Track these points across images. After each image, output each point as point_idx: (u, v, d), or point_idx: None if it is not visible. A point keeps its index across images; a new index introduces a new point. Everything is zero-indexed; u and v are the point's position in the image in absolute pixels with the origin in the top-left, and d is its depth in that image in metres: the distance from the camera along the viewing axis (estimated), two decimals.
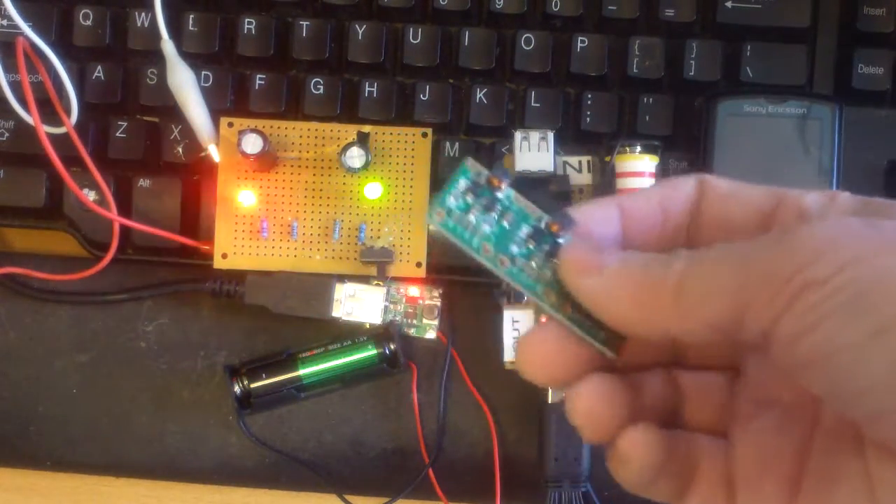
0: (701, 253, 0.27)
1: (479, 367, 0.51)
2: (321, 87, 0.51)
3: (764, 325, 0.25)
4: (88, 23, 0.52)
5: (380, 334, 0.50)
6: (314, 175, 0.51)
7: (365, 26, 0.51)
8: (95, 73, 0.52)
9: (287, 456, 0.52)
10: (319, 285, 0.50)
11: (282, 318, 0.50)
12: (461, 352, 0.51)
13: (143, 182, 0.51)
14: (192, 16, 0.52)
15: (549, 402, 0.49)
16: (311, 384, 0.50)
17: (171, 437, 0.52)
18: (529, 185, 0.49)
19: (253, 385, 0.50)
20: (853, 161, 0.49)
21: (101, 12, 0.52)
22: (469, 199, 0.34)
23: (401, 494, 0.51)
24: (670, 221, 0.30)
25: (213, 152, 0.51)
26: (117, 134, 0.52)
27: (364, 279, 0.50)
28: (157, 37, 0.50)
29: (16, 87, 0.50)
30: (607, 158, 0.49)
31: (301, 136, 0.51)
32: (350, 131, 0.51)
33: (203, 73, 0.51)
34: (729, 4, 0.50)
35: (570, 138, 0.51)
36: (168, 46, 0.50)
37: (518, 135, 0.49)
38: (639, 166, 0.48)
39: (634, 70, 0.51)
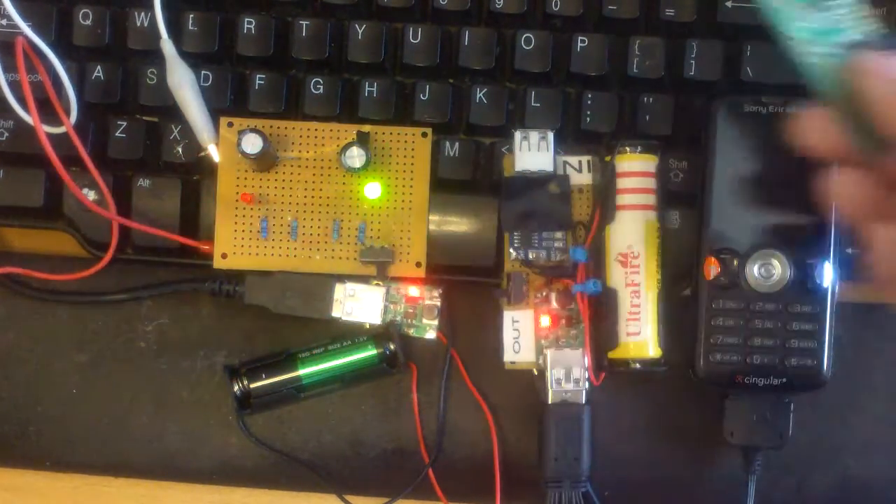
0: None
1: (479, 367, 0.51)
2: (321, 86, 0.51)
3: None
4: (88, 22, 0.52)
5: (380, 334, 0.50)
6: (314, 175, 0.51)
7: (365, 26, 0.51)
8: (95, 73, 0.52)
9: (287, 456, 0.52)
10: (319, 285, 0.50)
11: (282, 318, 0.50)
12: (461, 352, 0.51)
13: (143, 182, 0.51)
14: (191, 15, 0.52)
15: (549, 402, 0.49)
16: (311, 384, 0.50)
17: (171, 437, 0.52)
18: (529, 184, 0.49)
19: (253, 385, 0.50)
20: None
21: (100, 12, 0.52)
22: None
23: (401, 494, 0.51)
24: None
25: (213, 152, 0.51)
26: (117, 134, 0.52)
27: (364, 279, 0.50)
28: (157, 36, 0.50)
29: (15, 86, 0.49)
30: (607, 158, 0.49)
31: (301, 136, 0.51)
32: (350, 131, 0.51)
33: (203, 72, 0.51)
34: (729, 4, 0.50)
35: (570, 138, 0.51)
36: (168, 46, 0.50)
37: (518, 135, 0.49)
38: (639, 166, 0.48)
39: (634, 70, 0.51)
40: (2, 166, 0.52)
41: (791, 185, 0.47)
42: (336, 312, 0.50)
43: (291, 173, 0.51)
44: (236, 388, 0.50)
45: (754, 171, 0.48)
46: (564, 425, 0.49)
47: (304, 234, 0.50)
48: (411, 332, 0.51)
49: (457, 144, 0.51)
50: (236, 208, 0.50)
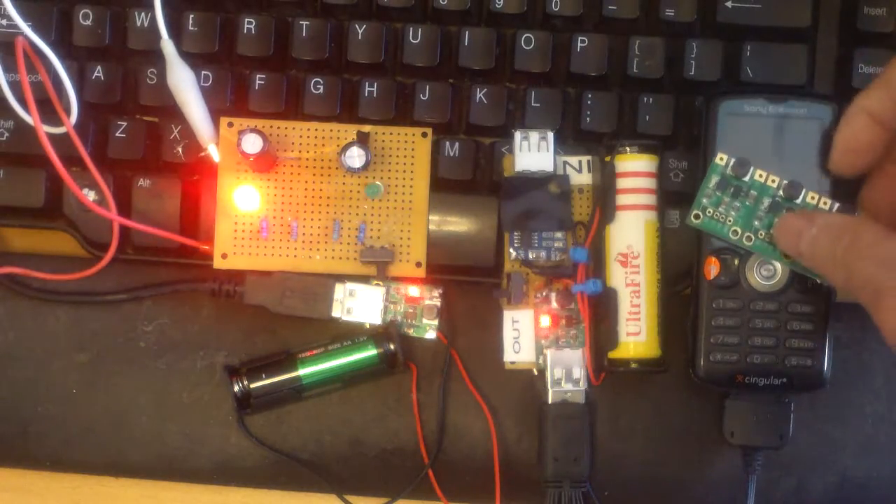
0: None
1: (479, 367, 0.51)
2: (321, 86, 0.51)
3: None
4: (88, 22, 0.52)
5: (380, 334, 0.50)
6: (314, 175, 0.51)
7: (365, 26, 0.51)
8: (95, 73, 0.52)
9: (287, 456, 0.52)
10: (319, 285, 0.50)
11: (282, 318, 0.50)
12: (461, 352, 0.51)
13: (143, 182, 0.51)
14: (191, 15, 0.52)
15: (549, 402, 0.49)
16: (311, 384, 0.50)
17: (171, 437, 0.52)
18: (529, 185, 0.49)
19: (253, 385, 0.50)
20: None
21: (100, 12, 0.52)
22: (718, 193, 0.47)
23: (401, 494, 0.51)
24: None
25: (213, 152, 0.51)
26: (117, 134, 0.52)
27: (364, 279, 0.50)
28: (157, 36, 0.50)
29: (15, 86, 0.50)
30: (607, 158, 0.49)
31: (301, 136, 0.51)
32: (350, 131, 0.51)
33: (203, 72, 0.51)
34: (729, 4, 0.50)
35: (570, 138, 0.51)
36: (168, 46, 0.50)
37: (518, 135, 0.49)
38: (639, 166, 0.48)
39: (634, 70, 0.51)
40: (2, 166, 0.52)
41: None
42: (336, 312, 0.50)
43: (291, 173, 0.51)
44: (236, 388, 0.50)
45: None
46: (564, 425, 0.49)
47: (304, 234, 0.50)
48: (411, 332, 0.51)
49: (457, 144, 0.51)
50: (236, 208, 0.50)
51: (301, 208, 0.50)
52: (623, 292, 0.48)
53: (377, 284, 0.50)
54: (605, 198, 0.49)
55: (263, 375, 0.50)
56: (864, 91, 0.43)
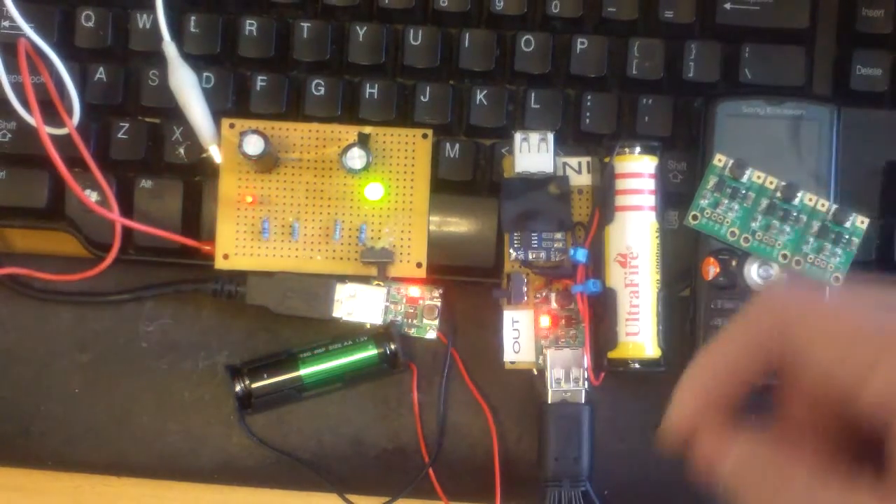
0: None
1: (479, 367, 0.51)
2: (322, 88, 0.52)
3: None
4: (90, 24, 0.52)
5: (380, 334, 0.50)
6: (315, 176, 0.51)
7: (365, 28, 0.52)
8: (97, 74, 0.52)
9: (288, 456, 0.52)
10: (320, 286, 0.50)
11: (283, 318, 0.51)
12: (461, 352, 0.52)
13: (145, 183, 0.51)
14: (193, 17, 0.52)
15: (549, 402, 0.49)
16: (312, 384, 0.50)
17: (172, 437, 0.52)
18: (529, 185, 0.49)
19: (254, 385, 0.50)
20: (851, 162, 0.49)
21: (102, 13, 0.52)
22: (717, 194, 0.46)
23: (401, 494, 0.51)
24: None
25: (215, 153, 0.51)
26: (119, 135, 0.52)
27: (364, 279, 0.51)
28: (159, 38, 0.51)
29: (18, 88, 0.50)
30: (606, 159, 0.49)
31: (302, 138, 0.51)
32: (351, 132, 0.51)
33: (204, 74, 0.51)
34: (728, 6, 0.50)
35: (570, 139, 0.51)
36: (169, 48, 0.50)
37: (518, 136, 0.49)
38: (638, 167, 0.48)
39: (634, 71, 0.51)
40: (4, 167, 0.52)
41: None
42: (337, 313, 0.50)
43: (293, 174, 0.51)
44: (238, 387, 0.50)
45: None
46: (564, 425, 0.49)
47: (305, 234, 0.51)
48: (412, 332, 0.51)
49: (457, 145, 0.51)
50: (238, 209, 0.51)
51: (302, 209, 0.51)
52: (622, 293, 0.48)
53: (378, 285, 0.51)
54: (604, 198, 0.49)
55: (265, 375, 0.50)
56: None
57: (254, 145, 0.48)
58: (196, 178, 0.52)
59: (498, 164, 0.51)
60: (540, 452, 0.49)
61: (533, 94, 0.51)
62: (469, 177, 0.51)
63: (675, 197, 0.50)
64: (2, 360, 0.53)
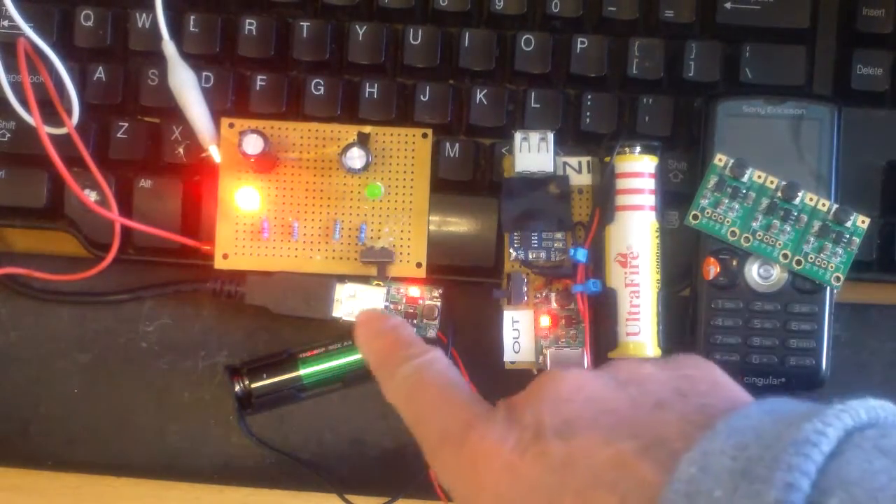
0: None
1: (479, 367, 0.51)
2: (321, 87, 0.52)
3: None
4: (89, 24, 0.52)
5: None
6: (315, 176, 0.51)
7: (365, 27, 0.52)
8: (96, 74, 0.52)
9: (287, 456, 0.52)
10: (320, 285, 0.50)
11: (282, 318, 0.50)
12: (461, 352, 0.51)
13: (144, 182, 0.51)
14: (192, 17, 0.52)
15: None
16: (312, 384, 0.50)
17: (172, 437, 0.52)
18: (529, 185, 0.49)
19: (254, 385, 0.50)
20: (852, 162, 0.49)
21: (102, 13, 0.52)
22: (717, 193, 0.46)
23: (401, 494, 0.51)
24: None
25: (214, 153, 0.51)
26: (118, 134, 0.52)
27: (364, 279, 0.50)
28: (158, 37, 0.51)
29: (17, 87, 0.50)
30: (607, 159, 0.49)
31: (302, 137, 0.51)
32: (350, 132, 0.51)
33: (204, 73, 0.51)
34: (728, 5, 0.50)
35: (570, 139, 0.51)
36: (169, 47, 0.50)
37: (518, 135, 0.49)
38: (638, 167, 0.48)
39: (634, 71, 0.51)
40: (4, 167, 0.52)
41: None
42: (337, 312, 0.50)
43: (292, 174, 0.51)
44: (237, 387, 0.50)
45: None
46: None
47: (304, 234, 0.51)
48: None
49: (457, 145, 0.51)
50: (237, 209, 0.50)
51: (302, 209, 0.51)
52: (622, 292, 0.48)
53: (378, 285, 0.50)
54: (604, 198, 0.49)
55: (264, 375, 0.50)
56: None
57: (253, 145, 0.48)
58: (195, 178, 0.52)
59: (498, 164, 0.51)
60: None
61: (533, 94, 0.51)
62: (469, 177, 0.51)
63: (675, 197, 0.50)
64: (2, 360, 0.53)
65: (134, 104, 0.52)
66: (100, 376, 0.52)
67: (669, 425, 0.31)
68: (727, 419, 0.30)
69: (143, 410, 0.52)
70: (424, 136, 0.51)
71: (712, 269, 0.48)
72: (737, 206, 0.47)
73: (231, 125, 0.51)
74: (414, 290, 0.51)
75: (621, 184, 0.48)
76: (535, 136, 0.49)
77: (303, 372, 0.50)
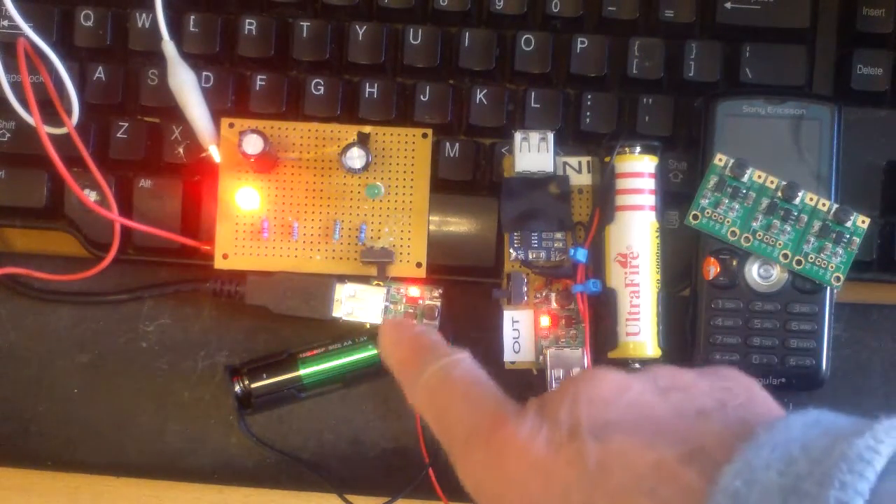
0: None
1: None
2: (321, 87, 0.52)
3: None
4: (89, 23, 0.52)
5: None
6: (315, 175, 0.51)
7: (365, 27, 0.52)
8: (96, 74, 0.52)
9: (287, 456, 0.52)
10: (320, 285, 0.50)
11: (282, 318, 0.50)
12: None
13: (144, 182, 0.51)
14: (192, 16, 0.52)
15: None
16: (312, 384, 0.50)
17: (172, 437, 0.52)
18: (529, 185, 0.49)
19: (254, 385, 0.50)
20: (852, 162, 0.49)
21: (102, 13, 0.52)
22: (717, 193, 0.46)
23: (401, 494, 0.51)
24: None
25: (214, 153, 0.51)
26: (118, 134, 0.52)
27: (364, 279, 0.50)
28: (158, 37, 0.51)
29: (17, 87, 0.50)
30: (607, 159, 0.49)
31: (301, 137, 0.51)
32: (350, 132, 0.51)
33: (204, 73, 0.51)
34: (728, 5, 0.50)
35: (570, 139, 0.51)
36: (169, 47, 0.50)
37: (518, 135, 0.49)
38: (638, 167, 0.48)
39: (634, 71, 0.51)
40: (4, 167, 0.52)
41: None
42: (336, 312, 0.50)
43: (292, 174, 0.51)
44: (237, 387, 0.50)
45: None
46: None
47: (304, 234, 0.51)
48: None
49: (457, 145, 0.51)
50: (237, 209, 0.50)
51: (302, 209, 0.51)
52: (622, 292, 0.48)
53: (378, 285, 0.50)
54: (604, 198, 0.49)
55: (264, 375, 0.50)
56: None
57: (253, 145, 0.48)
58: (195, 178, 0.52)
59: (498, 164, 0.51)
60: None
61: (533, 94, 0.51)
62: (469, 176, 0.51)
63: (675, 197, 0.50)
64: (2, 360, 0.53)
65: (134, 104, 0.52)
66: (99, 376, 0.52)
67: (711, 435, 0.31)
68: (769, 430, 0.29)
69: (143, 410, 0.52)
70: (424, 136, 0.51)
71: (712, 269, 0.48)
72: (737, 206, 0.47)
73: (231, 125, 0.51)
74: (414, 290, 0.51)
75: (621, 184, 0.48)
76: (535, 136, 0.49)
77: (303, 372, 0.50)
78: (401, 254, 0.50)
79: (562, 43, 0.51)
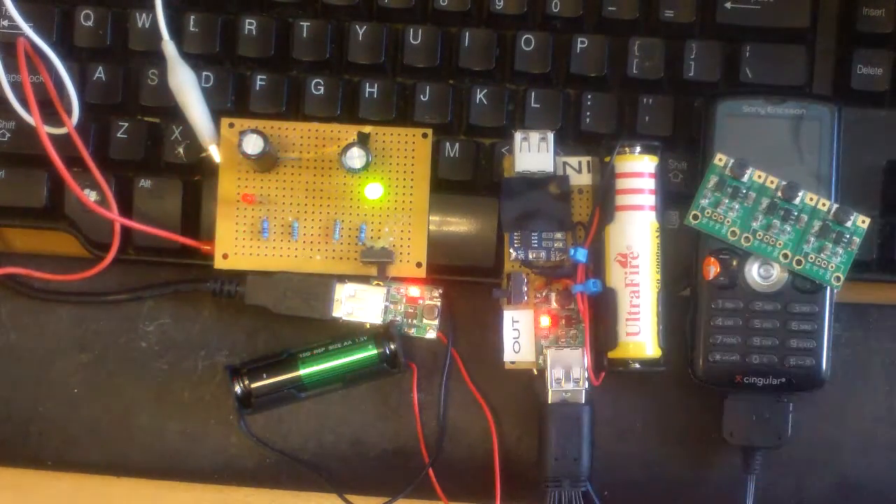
0: None
1: (479, 367, 0.51)
2: (321, 87, 0.52)
3: None
4: (89, 23, 0.52)
5: (380, 334, 0.50)
6: (315, 175, 0.51)
7: (365, 27, 0.52)
8: (96, 74, 0.52)
9: (287, 456, 0.52)
10: (320, 285, 0.50)
11: (282, 318, 0.50)
12: (461, 352, 0.52)
13: (144, 182, 0.51)
14: (192, 16, 0.52)
15: (549, 402, 0.49)
16: (312, 384, 0.50)
17: (172, 437, 0.52)
18: (529, 185, 0.49)
19: (254, 385, 0.50)
20: (852, 162, 0.49)
21: (102, 13, 0.52)
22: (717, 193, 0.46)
23: (401, 494, 0.51)
24: None
25: (214, 153, 0.51)
26: (118, 134, 0.52)
27: (364, 279, 0.51)
28: (158, 37, 0.51)
29: (17, 87, 0.50)
30: (607, 159, 0.49)
31: (302, 137, 0.51)
32: (350, 132, 0.51)
33: (204, 73, 0.51)
34: (728, 5, 0.50)
35: (570, 139, 0.51)
36: (169, 47, 0.50)
37: (518, 135, 0.49)
38: (638, 167, 0.48)
39: (634, 71, 0.51)
40: (4, 167, 0.52)
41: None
42: (337, 312, 0.50)
43: (292, 174, 0.51)
44: (237, 387, 0.50)
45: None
46: (564, 425, 0.49)
47: (304, 234, 0.51)
48: (411, 332, 0.51)
49: (457, 145, 0.51)
50: (237, 209, 0.50)
51: (302, 209, 0.51)
52: (622, 292, 0.48)
53: (378, 284, 0.50)
54: (604, 198, 0.49)
55: (264, 375, 0.50)
56: None
57: (253, 145, 0.48)
58: (195, 178, 0.52)
59: (498, 164, 0.51)
60: (540, 452, 0.49)
61: (533, 94, 0.51)
62: (469, 176, 0.51)
63: (675, 196, 0.50)
64: (2, 360, 0.53)
65: (134, 104, 0.52)
66: (100, 376, 0.52)
67: None
68: None
69: (143, 410, 0.52)
70: (424, 136, 0.51)
71: (712, 269, 0.48)
72: (737, 206, 0.47)
73: (231, 125, 0.51)
74: (414, 290, 0.51)
75: (621, 184, 0.48)
76: (535, 136, 0.49)
77: (303, 372, 0.50)
78: (401, 254, 0.50)
79: (562, 43, 0.51)
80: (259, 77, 0.52)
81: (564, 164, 0.50)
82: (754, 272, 0.48)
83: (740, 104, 0.48)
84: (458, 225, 0.51)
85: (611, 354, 0.48)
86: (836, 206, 0.47)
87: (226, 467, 0.52)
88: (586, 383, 0.49)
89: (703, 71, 0.50)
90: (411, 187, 0.51)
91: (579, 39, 0.51)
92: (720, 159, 0.47)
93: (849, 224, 0.47)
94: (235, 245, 0.51)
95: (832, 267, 0.47)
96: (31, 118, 0.48)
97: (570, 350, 0.49)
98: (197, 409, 0.52)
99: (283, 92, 0.52)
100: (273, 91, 0.52)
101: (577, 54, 0.51)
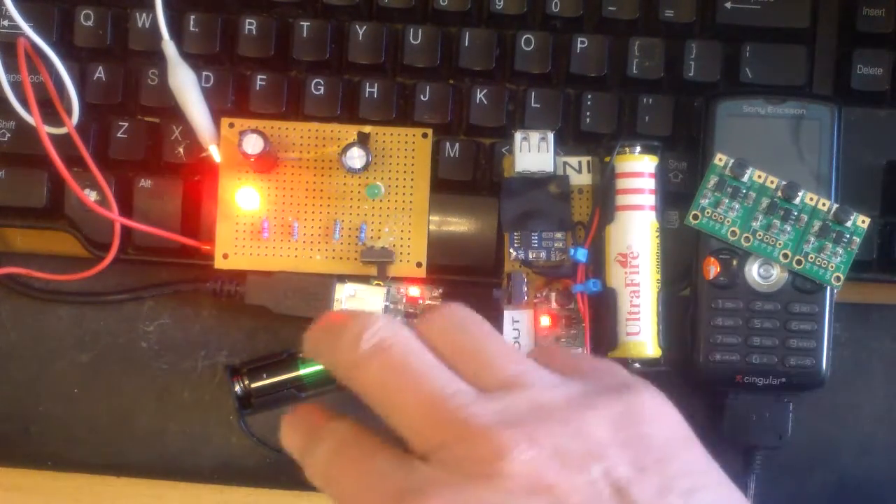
0: None
1: None
2: (322, 87, 0.52)
3: None
4: (89, 23, 0.52)
5: None
6: (315, 175, 0.51)
7: (365, 27, 0.52)
8: (96, 74, 0.52)
9: (288, 456, 0.52)
10: (320, 285, 0.50)
11: (282, 318, 0.50)
12: None
13: (144, 182, 0.51)
14: (192, 16, 0.52)
15: None
16: (312, 384, 0.50)
17: (172, 437, 0.52)
18: (529, 185, 0.49)
19: (254, 385, 0.50)
20: (852, 161, 0.49)
21: (102, 13, 0.52)
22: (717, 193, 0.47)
23: None
24: None
25: (214, 153, 0.51)
26: (118, 134, 0.52)
27: (364, 279, 0.50)
28: (158, 37, 0.51)
29: (17, 87, 0.50)
30: (607, 159, 0.49)
31: (302, 137, 0.51)
32: (350, 132, 0.51)
33: (204, 73, 0.51)
34: (728, 5, 0.50)
35: (570, 139, 0.51)
36: (169, 47, 0.50)
37: (518, 135, 0.49)
38: (638, 167, 0.48)
39: (634, 71, 0.51)
40: (4, 167, 0.52)
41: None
42: None
43: (292, 174, 0.51)
44: (237, 387, 0.50)
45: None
46: None
47: (304, 234, 0.51)
48: None
49: (457, 145, 0.51)
50: (237, 209, 0.50)
51: (302, 209, 0.51)
52: (623, 292, 0.48)
53: (378, 284, 0.50)
54: (604, 198, 0.49)
55: (265, 375, 0.50)
56: None
57: (253, 145, 0.48)
58: (196, 178, 0.52)
59: (498, 164, 0.51)
60: None
61: (533, 94, 0.51)
62: (469, 176, 0.51)
63: (675, 196, 0.50)
64: (2, 360, 0.53)
65: (134, 104, 0.52)
66: (100, 376, 0.52)
67: None
68: None
69: (143, 410, 0.52)
70: (424, 135, 0.51)
71: (712, 268, 0.48)
72: (737, 206, 0.47)
73: (231, 125, 0.51)
74: (414, 290, 0.51)
75: (621, 184, 0.48)
76: (535, 136, 0.49)
77: (303, 372, 0.50)
78: (401, 254, 0.50)
79: (562, 43, 0.51)
80: (259, 77, 0.52)
81: (564, 164, 0.50)
82: (754, 272, 0.48)
83: (740, 104, 0.48)
84: (458, 225, 0.51)
85: (611, 354, 0.48)
86: (836, 205, 0.47)
87: (226, 467, 0.52)
88: None
89: (703, 71, 0.50)
90: (411, 187, 0.51)
91: (579, 39, 0.51)
92: (720, 159, 0.47)
93: (849, 224, 0.47)
94: (235, 245, 0.51)
95: (832, 267, 0.47)
96: (31, 118, 0.48)
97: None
98: (197, 409, 0.52)
99: (283, 92, 0.52)
100: (273, 91, 0.52)
101: (577, 54, 0.51)
